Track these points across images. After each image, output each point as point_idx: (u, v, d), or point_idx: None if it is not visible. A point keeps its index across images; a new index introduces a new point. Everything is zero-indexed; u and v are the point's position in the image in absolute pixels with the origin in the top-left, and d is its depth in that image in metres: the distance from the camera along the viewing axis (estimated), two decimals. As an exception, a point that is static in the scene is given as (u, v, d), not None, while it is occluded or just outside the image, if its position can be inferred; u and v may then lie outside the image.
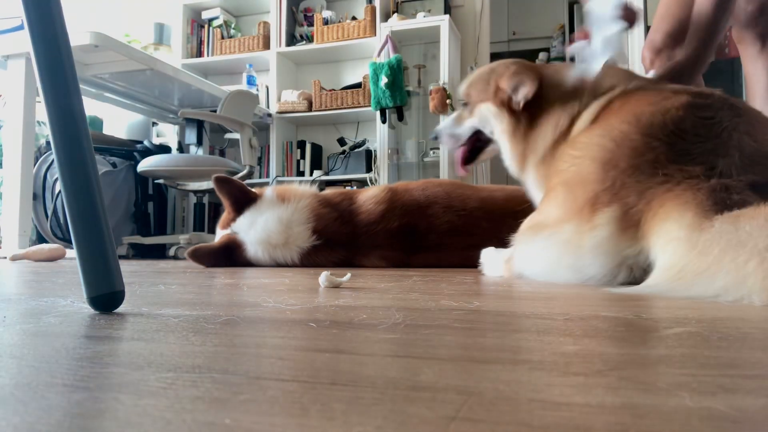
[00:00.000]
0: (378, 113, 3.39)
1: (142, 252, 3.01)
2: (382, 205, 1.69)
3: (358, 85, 3.68)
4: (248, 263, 1.66)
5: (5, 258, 2.18)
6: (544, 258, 0.94)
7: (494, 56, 4.39)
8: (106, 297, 0.55)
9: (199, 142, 3.11)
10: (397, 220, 1.68)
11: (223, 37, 4.04)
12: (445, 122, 1.37)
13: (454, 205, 1.71)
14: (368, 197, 1.72)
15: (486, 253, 1.25)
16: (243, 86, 3.60)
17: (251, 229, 1.65)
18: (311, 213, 1.64)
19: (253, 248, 1.64)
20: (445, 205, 1.72)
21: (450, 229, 1.69)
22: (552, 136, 1.10)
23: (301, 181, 2.26)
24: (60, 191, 1.95)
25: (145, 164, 2.82)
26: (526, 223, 1.05)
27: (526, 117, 1.14)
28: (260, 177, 3.83)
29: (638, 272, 0.83)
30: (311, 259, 1.64)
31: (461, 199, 1.73)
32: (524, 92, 1.13)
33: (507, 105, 1.17)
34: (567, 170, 0.96)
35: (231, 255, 1.65)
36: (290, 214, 1.63)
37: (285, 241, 1.62)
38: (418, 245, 1.70)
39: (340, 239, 1.66)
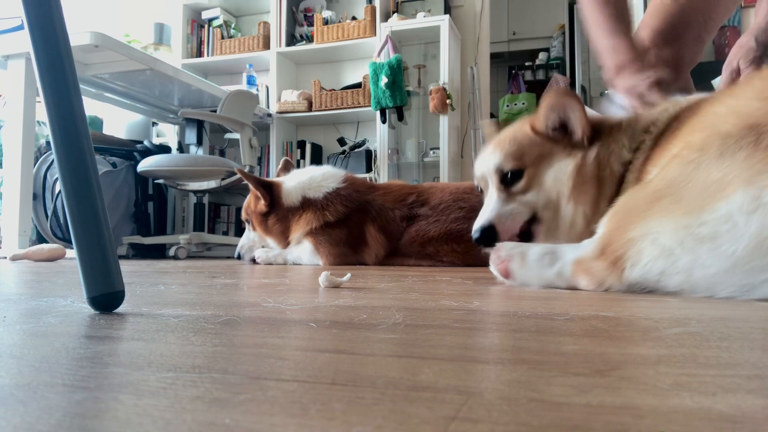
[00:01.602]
0: (378, 113, 3.39)
1: (142, 252, 3.00)
2: (406, 193, 1.92)
3: (358, 85, 3.68)
4: (276, 203, 1.93)
5: (5, 258, 2.18)
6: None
7: (494, 56, 4.40)
8: (106, 297, 0.55)
9: (199, 142, 3.11)
10: (408, 210, 1.89)
11: (223, 37, 4.04)
12: (490, 212, 1.01)
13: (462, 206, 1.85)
14: (396, 185, 1.98)
15: (512, 250, 0.84)
16: (243, 86, 3.60)
17: (290, 179, 2.01)
18: (341, 173, 2.00)
19: (285, 190, 1.94)
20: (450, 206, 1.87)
21: (445, 234, 1.80)
22: (618, 176, 0.93)
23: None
24: (60, 191, 1.96)
25: (145, 164, 2.82)
26: (645, 210, 0.70)
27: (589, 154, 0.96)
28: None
29: None
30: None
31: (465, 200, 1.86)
32: (578, 117, 0.95)
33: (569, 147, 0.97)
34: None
35: (271, 190, 1.93)
36: (323, 171, 1.99)
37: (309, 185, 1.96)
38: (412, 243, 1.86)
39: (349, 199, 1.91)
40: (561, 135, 1.00)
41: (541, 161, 1.01)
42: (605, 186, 0.96)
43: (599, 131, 0.99)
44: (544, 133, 1.01)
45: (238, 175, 2.92)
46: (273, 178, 2.10)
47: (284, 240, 1.93)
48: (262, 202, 1.92)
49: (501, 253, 0.85)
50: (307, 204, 1.89)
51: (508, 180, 1.02)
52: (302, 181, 1.94)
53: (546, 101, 1.00)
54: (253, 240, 2.02)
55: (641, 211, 0.70)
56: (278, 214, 1.91)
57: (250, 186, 1.94)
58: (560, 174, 0.99)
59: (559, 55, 5.53)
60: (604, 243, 0.73)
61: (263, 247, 1.99)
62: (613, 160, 0.96)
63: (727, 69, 1.28)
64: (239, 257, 2.03)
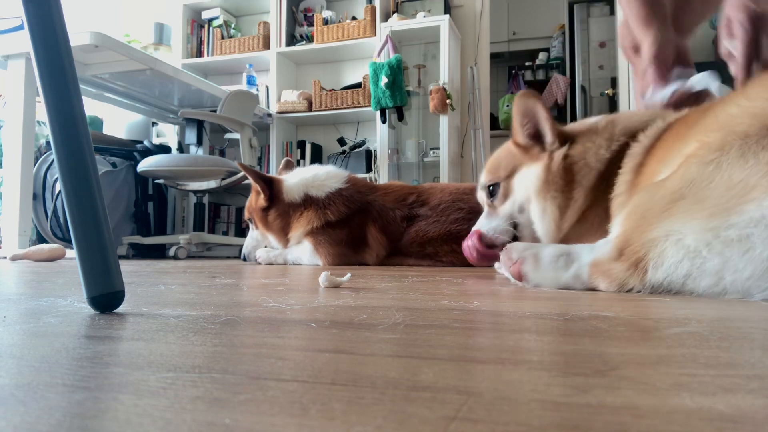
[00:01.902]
0: (378, 113, 3.39)
1: (142, 252, 3.00)
2: (405, 193, 1.93)
3: (358, 85, 3.68)
4: (277, 198, 1.92)
5: (5, 258, 2.18)
6: None
7: (494, 56, 4.40)
8: (106, 297, 0.55)
9: (199, 142, 3.11)
10: (407, 210, 1.89)
11: (223, 37, 4.04)
12: (475, 228, 1.14)
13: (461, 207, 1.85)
14: (397, 186, 1.98)
15: (524, 252, 0.81)
16: (243, 86, 3.60)
17: (293, 176, 2.01)
18: (344, 174, 2.00)
19: (287, 186, 1.93)
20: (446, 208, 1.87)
21: (444, 234, 1.80)
22: (597, 172, 0.97)
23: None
24: (60, 191, 1.96)
25: (145, 164, 2.82)
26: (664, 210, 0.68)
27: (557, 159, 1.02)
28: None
29: None
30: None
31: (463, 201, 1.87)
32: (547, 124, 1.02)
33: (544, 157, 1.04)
34: None
35: (271, 186, 1.92)
36: (327, 170, 1.99)
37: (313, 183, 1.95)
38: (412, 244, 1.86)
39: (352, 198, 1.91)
40: (536, 142, 1.06)
41: (514, 171, 1.09)
42: (579, 177, 0.99)
43: (573, 134, 1.04)
44: (523, 144, 1.07)
45: (238, 176, 2.94)
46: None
47: (284, 237, 1.92)
48: (263, 196, 1.92)
49: (512, 254, 0.83)
50: (309, 202, 1.88)
51: (491, 194, 1.12)
52: (306, 178, 1.94)
53: (515, 109, 1.05)
54: (256, 239, 2.02)
55: (660, 210, 0.69)
56: (279, 209, 1.90)
57: (251, 180, 1.94)
58: (527, 179, 1.06)
59: (559, 55, 5.54)
60: (622, 243, 0.72)
61: (265, 246, 2.00)
62: (590, 156, 1.00)
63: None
64: (245, 258, 2.04)
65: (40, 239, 2.81)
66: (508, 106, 5.19)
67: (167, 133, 3.81)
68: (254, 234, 2.02)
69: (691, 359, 0.33)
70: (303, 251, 1.86)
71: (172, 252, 2.76)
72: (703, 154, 0.69)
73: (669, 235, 0.66)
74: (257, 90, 3.75)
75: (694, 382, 0.28)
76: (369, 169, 3.56)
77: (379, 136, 3.52)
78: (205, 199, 3.37)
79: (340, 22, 3.79)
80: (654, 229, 0.68)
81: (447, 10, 3.63)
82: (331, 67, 4.03)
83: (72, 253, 1.41)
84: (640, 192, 0.78)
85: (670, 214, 0.67)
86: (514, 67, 5.65)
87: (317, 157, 3.87)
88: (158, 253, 3.10)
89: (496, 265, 1.14)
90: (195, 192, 3.19)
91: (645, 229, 0.69)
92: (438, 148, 3.48)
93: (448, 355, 0.35)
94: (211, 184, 3.01)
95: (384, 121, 3.42)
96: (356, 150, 3.67)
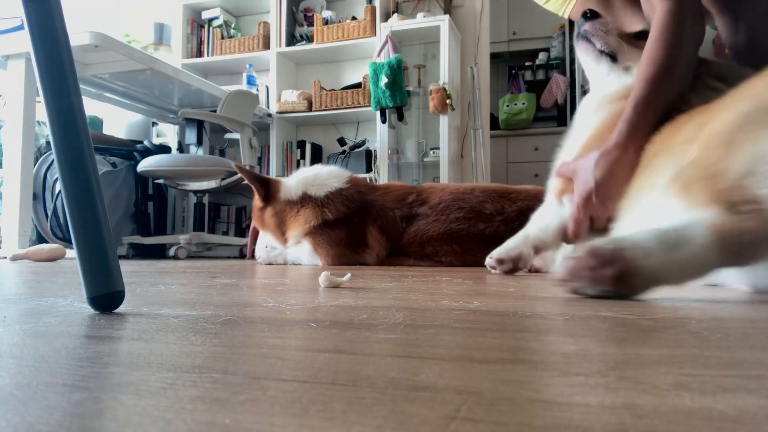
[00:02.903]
0: (378, 113, 3.38)
1: (142, 252, 3.00)
2: (405, 194, 1.92)
3: (358, 85, 3.68)
4: (273, 197, 1.92)
5: (5, 258, 2.18)
6: None
7: (494, 56, 4.40)
8: (106, 297, 0.55)
9: (199, 142, 3.11)
10: (407, 209, 1.90)
11: (223, 37, 4.04)
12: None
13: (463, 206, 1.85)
14: (396, 186, 1.98)
15: (517, 245, 0.78)
16: (243, 86, 3.59)
17: (294, 176, 2.02)
18: (346, 174, 2.00)
19: (286, 185, 1.93)
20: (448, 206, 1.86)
21: (444, 234, 1.80)
22: None
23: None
24: (60, 191, 1.96)
25: (145, 164, 2.82)
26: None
27: None
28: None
29: None
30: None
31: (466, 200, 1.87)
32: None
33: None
34: None
35: (267, 186, 1.92)
36: (329, 170, 1.99)
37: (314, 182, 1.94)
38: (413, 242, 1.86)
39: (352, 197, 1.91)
40: None
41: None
42: None
43: None
44: None
45: (238, 175, 2.94)
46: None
47: (281, 235, 1.92)
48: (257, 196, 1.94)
49: (505, 255, 0.77)
50: (307, 200, 1.88)
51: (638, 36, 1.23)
52: (306, 177, 1.94)
53: None
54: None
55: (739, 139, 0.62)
56: (275, 207, 1.90)
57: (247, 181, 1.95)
58: None
59: (559, 55, 5.53)
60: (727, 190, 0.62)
61: (266, 246, 2.00)
62: None
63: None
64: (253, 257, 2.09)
65: (40, 239, 2.81)
66: (507, 106, 5.19)
67: (167, 133, 3.81)
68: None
69: (691, 359, 0.33)
70: (302, 251, 1.86)
71: (172, 252, 2.76)
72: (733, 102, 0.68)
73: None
74: (257, 90, 3.75)
75: (694, 382, 0.28)
76: (369, 169, 3.56)
77: (379, 136, 3.52)
78: (205, 199, 3.37)
79: (340, 22, 3.78)
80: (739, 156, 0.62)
81: (447, 10, 3.63)
82: (331, 67, 4.03)
83: (72, 253, 1.41)
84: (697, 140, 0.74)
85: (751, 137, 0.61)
86: (514, 67, 5.64)
87: (317, 157, 3.86)
88: (158, 253, 3.10)
89: (488, 263, 1.16)
90: (195, 192, 3.19)
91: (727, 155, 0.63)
92: (438, 148, 3.48)
93: (448, 355, 0.35)
94: (211, 184, 3.01)
95: (384, 121, 3.42)
96: (356, 150, 3.66)
